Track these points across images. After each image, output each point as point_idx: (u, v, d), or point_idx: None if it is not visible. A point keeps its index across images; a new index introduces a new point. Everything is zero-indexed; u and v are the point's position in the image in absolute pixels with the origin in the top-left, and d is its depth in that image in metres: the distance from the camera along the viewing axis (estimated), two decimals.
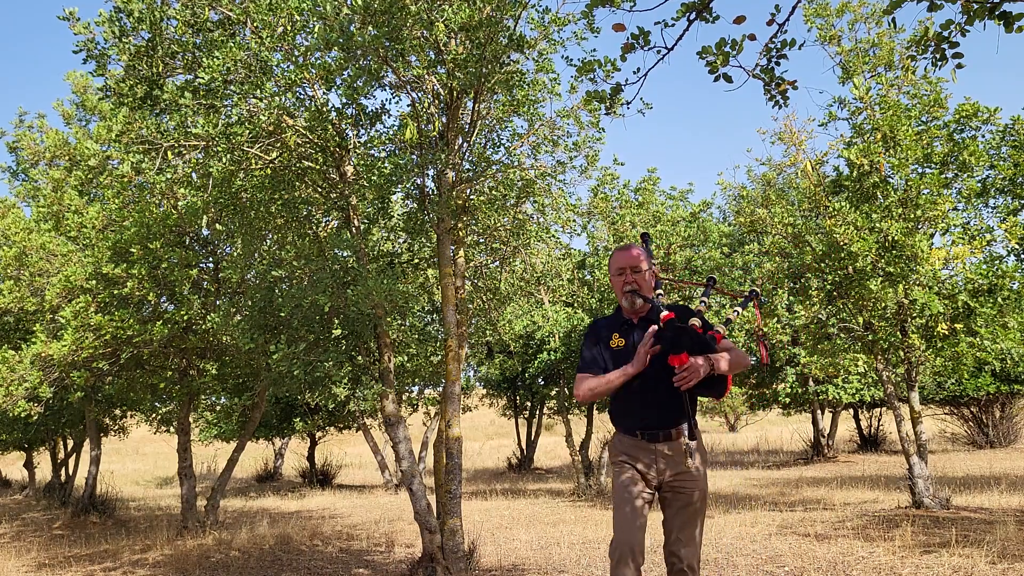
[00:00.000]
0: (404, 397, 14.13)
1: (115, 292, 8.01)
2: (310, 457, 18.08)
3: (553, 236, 7.07)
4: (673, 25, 3.23)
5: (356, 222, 6.40)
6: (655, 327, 3.11)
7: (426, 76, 5.81)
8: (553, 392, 15.50)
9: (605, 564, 6.25)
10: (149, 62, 5.53)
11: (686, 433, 3.14)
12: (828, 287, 8.00)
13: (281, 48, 5.56)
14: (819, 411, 16.89)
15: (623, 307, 3.30)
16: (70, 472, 14.94)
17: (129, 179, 6.27)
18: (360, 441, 21.45)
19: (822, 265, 7.94)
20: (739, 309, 3.46)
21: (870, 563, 5.62)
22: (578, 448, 12.50)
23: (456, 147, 6.07)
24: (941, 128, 7.96)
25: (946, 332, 7.40)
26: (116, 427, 14.89)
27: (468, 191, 6.34)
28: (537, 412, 19.01)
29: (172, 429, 12.32)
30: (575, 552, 6.87)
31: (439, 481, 6.27)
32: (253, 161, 6.03)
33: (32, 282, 8.40)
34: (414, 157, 5.97)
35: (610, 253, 3.44)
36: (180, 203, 8.53)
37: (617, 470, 3.26)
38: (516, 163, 6.42)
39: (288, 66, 5.59)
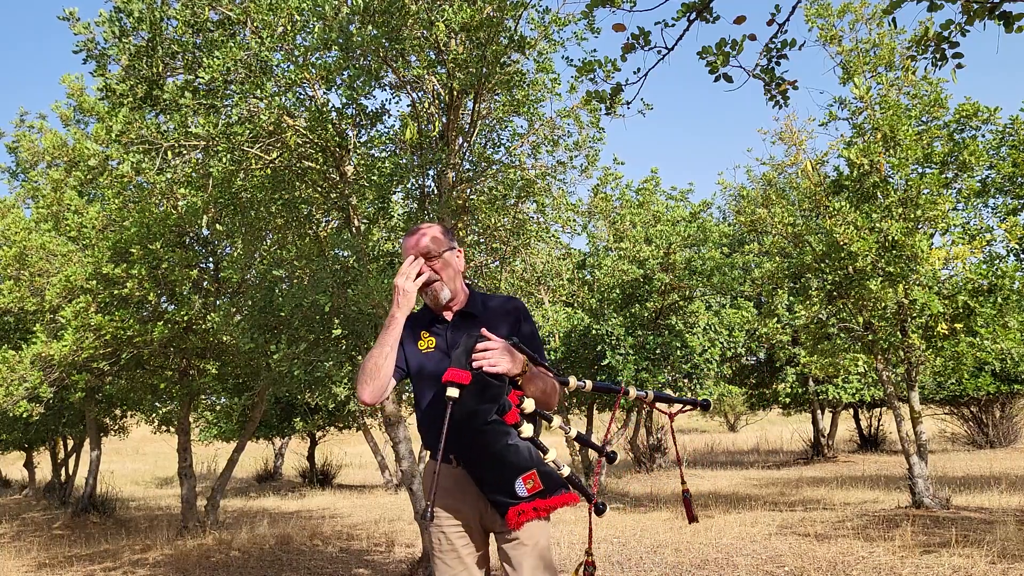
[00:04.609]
0: (404, 397, 14.12)
1: (115, 292, 8.01)
2: (310, 457, 18.09)
3: (553, 236, 7.07)
4: (673, 25, 3.23)
5: (356, 222, 6.39)
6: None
7: (426, 76, 5.81)
8: None
9: (605, 564, 6.25)
10: (149, 62, 5.53)
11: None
12: (828, 287, 8.00)
13: (281, 48, 5.55)
14: (819, 411, 16.90)
15: (429, 304, 2.58)
16: (70, 472, 14.94)
17: (129, 179, 6.25)
18: (360, 441, 21.44)
19: (822, 265, 7.94)
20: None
21: (870, 563, 5.62)
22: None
23: (456, 147, 6.06)
24: (941, 128, 7.97)
25: (946, 332, 7.40)
26: (116, 427, 14.90)
27: (468, 191, 6.34)
28: None
29: (172, 429, 12.31)
30: (575, 552, 6.86)
31: None
32: (253, 161, 6.03)
33: (32, 282, 8.39)
34: (414, 157, 5.97)
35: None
36: (180, 203, 8.53)
37: (432, 527, 2.45)
38: (516, 163, 6.42)
39: (288, 66, 5.59)
